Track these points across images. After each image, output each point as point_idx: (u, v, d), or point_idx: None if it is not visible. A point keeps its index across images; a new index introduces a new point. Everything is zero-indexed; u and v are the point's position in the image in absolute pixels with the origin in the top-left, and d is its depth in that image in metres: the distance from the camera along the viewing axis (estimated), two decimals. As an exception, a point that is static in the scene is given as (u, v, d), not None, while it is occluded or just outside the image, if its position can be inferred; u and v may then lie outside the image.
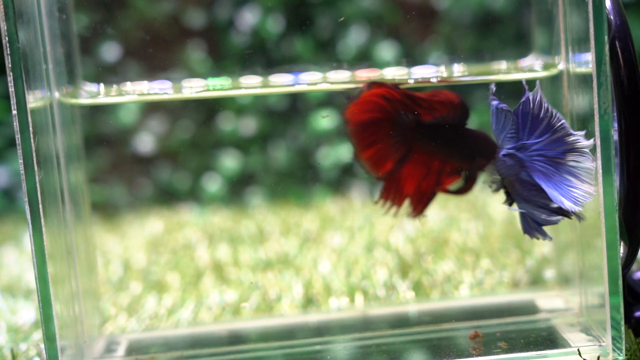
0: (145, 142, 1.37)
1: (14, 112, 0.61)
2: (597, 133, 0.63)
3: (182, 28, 1.24)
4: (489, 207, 1.15)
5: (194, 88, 0.75)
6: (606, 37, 0.62)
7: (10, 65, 0.61)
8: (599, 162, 0.63)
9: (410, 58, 1.13)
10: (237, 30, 1.33)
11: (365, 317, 0.82)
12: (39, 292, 0.63)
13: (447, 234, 1.01)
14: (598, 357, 0.65)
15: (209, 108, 1.39)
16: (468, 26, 1.13)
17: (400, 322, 0.81)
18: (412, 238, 1.04)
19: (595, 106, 0.63)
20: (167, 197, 1.37)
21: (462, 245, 1.00)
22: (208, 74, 1.07)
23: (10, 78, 0.61)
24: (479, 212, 1.14)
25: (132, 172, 1.38)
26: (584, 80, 0.65)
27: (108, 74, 1.00)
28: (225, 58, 1.18)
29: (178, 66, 0.91)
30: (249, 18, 1.33)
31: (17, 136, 0.62)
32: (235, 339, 0.79)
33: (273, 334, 0.80)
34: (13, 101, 0.61)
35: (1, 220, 1.48)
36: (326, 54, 1.30)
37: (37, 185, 0.62)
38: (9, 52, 0.61)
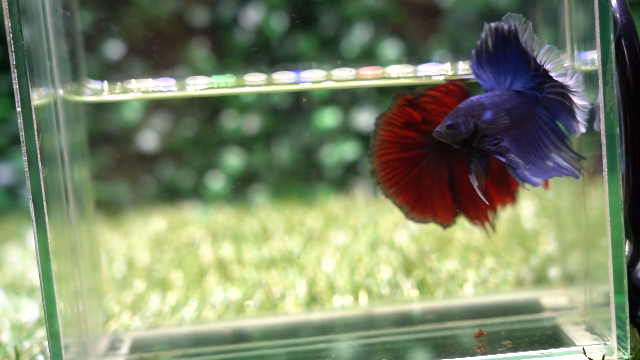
0: (149, 140, 1.37)
1: (18, 109, 0.61)
2: (603, 132, 0.63)
3: (186, 26, 1.24)
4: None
5: (198, 86, 0.75)
6: (612, 36, 0.62)
7: (14, 63, 0.61)
8: (605, 160, 0.63)
9: (413, 56, 1.13)
10: (241, 28, 1.33)
11: (369, 316, 0.82)
12: (43, 289, 0.63)
13: (451, 233, 1.01)
14: (603, 356, 0.65)
15: (212, 106, 1.39)
16: (472, 24, 1.12)
17: (405, 320, 0.81)
18: (417, 236, 1.04)
19: (601, 104, 0.63)
20: (171, 195, 1.37)
21: (467, 244, 1.00)
22: (212, 71, 1.07)
23: (14, 75, 0.61)
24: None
25: (135, 169, 1.38)
26: (589, 78, 0.65)
27: (112, 72, 1.00)
28: (229, 56, 1.18)
29: (182, 64, 0.91)
30: (253, 16, 1.33)
31: (21, 133, 0.61)
32: (239, 337, 0.79)
33: (277, 332, 0.80)
34: (17, 98, 0.61)
35: (4, 218, 1.48)
36: (330, 52, 1.30)
37: (41, 182, 0.62)
38: (13, 49, 0.60)
